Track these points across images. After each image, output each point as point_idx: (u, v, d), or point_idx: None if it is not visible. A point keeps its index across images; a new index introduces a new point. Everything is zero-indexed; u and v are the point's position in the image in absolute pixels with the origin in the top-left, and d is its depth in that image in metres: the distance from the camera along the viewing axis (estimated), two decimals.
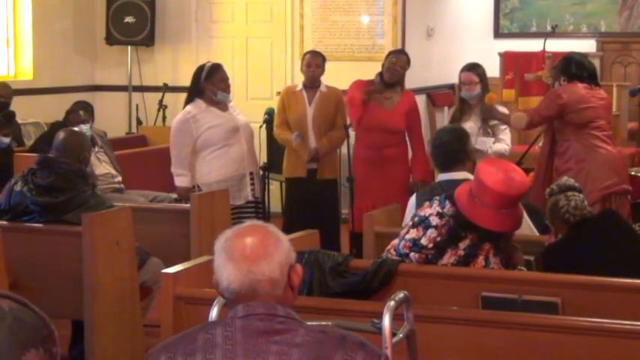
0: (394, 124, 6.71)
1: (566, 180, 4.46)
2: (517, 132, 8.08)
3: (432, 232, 4.03)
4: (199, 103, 6.32)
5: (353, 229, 6.60)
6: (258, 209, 6.53)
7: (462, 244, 3.99)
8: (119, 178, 7.19)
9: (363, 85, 6.81)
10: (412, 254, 4.04)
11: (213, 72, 6.33)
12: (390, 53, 6.92)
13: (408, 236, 4.10)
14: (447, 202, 4.04)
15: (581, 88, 6.02)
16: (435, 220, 4.03)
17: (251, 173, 6.45)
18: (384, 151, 6.71)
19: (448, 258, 4.00)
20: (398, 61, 6.76)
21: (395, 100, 6.77)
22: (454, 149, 4.68)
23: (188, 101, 6.42)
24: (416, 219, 4.11)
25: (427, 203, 4.13)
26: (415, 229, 4.08)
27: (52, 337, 1.67)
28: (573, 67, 6.07)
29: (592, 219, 4.28)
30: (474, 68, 6.54)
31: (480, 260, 3.97)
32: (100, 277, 4.70)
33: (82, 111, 7.44)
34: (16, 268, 4.79)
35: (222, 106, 6.38)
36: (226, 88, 6.36)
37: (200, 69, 6.42)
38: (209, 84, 6.30)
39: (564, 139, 6.06)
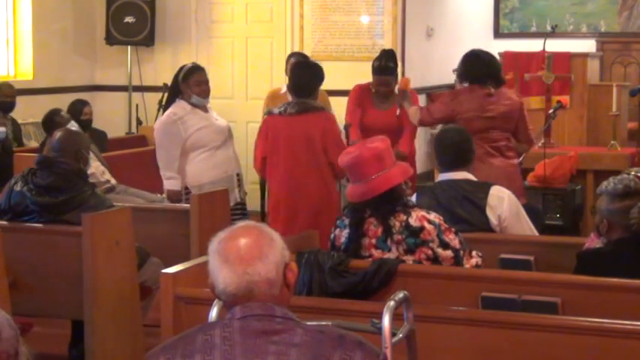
0: (395, 124, 6.72)
1: (629, 180, 3.98)
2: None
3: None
4: (183, 105, 6.18)
5: None
6: (244, 211, 6.45)
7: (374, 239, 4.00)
8: (107, 176, 7.14)
9: (362, 92, 6.81)
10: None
11: (189, 74, 6.19)
12: (379, 73, 6.72)
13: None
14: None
15: (480, 95, 5.66)
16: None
17: (237, 175, 6.41)
18: None
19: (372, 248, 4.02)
20: (382, 81, 6.72)
21: (391, 100, 6.80)
22: (465, 149, 4.72)
23: (169, 102, 6.30)
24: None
25: (337, 230, 4.14)
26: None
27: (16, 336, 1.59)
28: (474, 69, 5.80)
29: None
30: None
31: (429, 249, 3.96)
32: (100, 277, 4.70)
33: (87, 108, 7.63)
34: (16, 268, 4.79)
35: (203, 109, 6.25)
36: (201, 92, 6.19)
37: (180, 70, 6.29)
38: (185, 86, 6.18)
39: None
